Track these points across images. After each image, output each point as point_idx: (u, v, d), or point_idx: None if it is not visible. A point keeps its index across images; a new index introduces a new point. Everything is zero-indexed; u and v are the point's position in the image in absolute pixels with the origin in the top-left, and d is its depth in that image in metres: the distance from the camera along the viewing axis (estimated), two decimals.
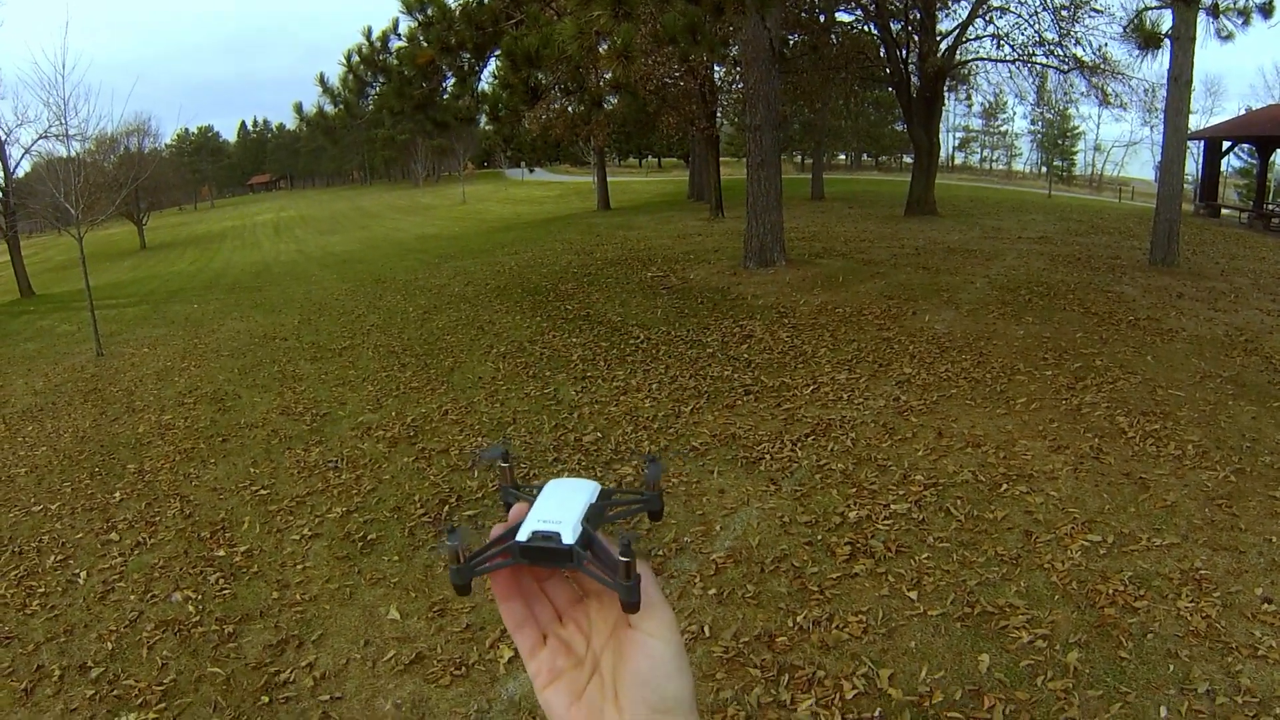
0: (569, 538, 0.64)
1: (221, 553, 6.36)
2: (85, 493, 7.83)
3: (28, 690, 4.88)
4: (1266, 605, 4.50)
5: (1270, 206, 23.14)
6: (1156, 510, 5.64)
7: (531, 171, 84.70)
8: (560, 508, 0.67)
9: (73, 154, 16.32)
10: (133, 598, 5.82)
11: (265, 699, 4.63)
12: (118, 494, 7.70)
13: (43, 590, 6.05)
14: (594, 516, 0.68)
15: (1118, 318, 10.52)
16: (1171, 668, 4.09)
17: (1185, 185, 18.29)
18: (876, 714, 3.97)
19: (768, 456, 7.08)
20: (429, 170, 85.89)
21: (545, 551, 0.65)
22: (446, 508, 6.76)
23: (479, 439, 8.10)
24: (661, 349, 10.72)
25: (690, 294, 13.78)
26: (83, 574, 6.23)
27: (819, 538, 5.67)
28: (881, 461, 6.78)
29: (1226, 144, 25.38)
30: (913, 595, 4.89)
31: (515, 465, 0.81)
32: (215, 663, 4.99)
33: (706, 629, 4.77)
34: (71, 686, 4.90)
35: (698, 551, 5.65)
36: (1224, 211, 24.83)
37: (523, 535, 0.65)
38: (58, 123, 15.21)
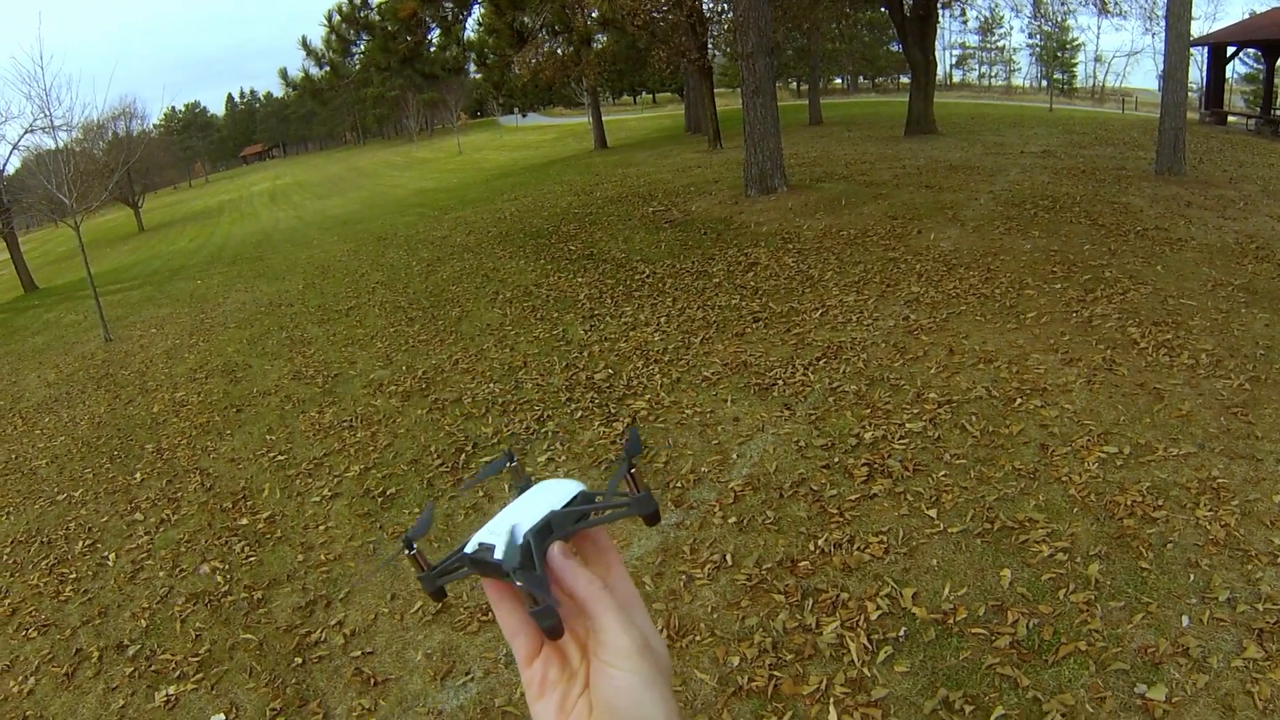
0: (499, 553, 0.61)
1: (244, 521, 6.43)
2: (106, 477, 7.87)
3: (69, 674, 4.98)
4: None
5: (1278, 112, 22.77)
6: (1172, 420, 5.61)
7: (525, 117, 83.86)
8: (515, 516, 0.64)
9: (60, 145, 16.10)
10: (162, 574, 5.89)
11: (299, 660, 4.70)
12: (138, 474, 7.75)
13: (74, 576, 6.13)
14: (560, 522, 0.64)
15: (1125, 229, 10.41)
16: (1192, 577, 4.10)
17: (1190, 93, 17.96)
18: (901, 633, 3.99)
19: (780, 382, 7.06)
20: (422, 125, 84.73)
21: (483, 564, 0.62)
22: (463, 455, 6.80)
23: (490, 385, 8.13)
24: (667, 282, 10.66)
25: (693, 226, 13.65)
26: (111, 556, 6.30)
27: (836, 460, 5.67)
28: (894, 381, 6.75)
29: (1231, 49, 24.89)
30: (932, 513, 4.90)
31: (522, 442, 0.77)
32: (247, 629, 5.07)
33: (729, 557, 4.80)
34: (110, 666, 4.98)
35: (715, 481, 5.66)
36: (1230, 119, 24.49)
37: (470, 546, 0.63)
38: (42, 115, 14.98)
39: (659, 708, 0.58)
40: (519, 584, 0.60)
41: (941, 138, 22.55)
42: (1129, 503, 4.73)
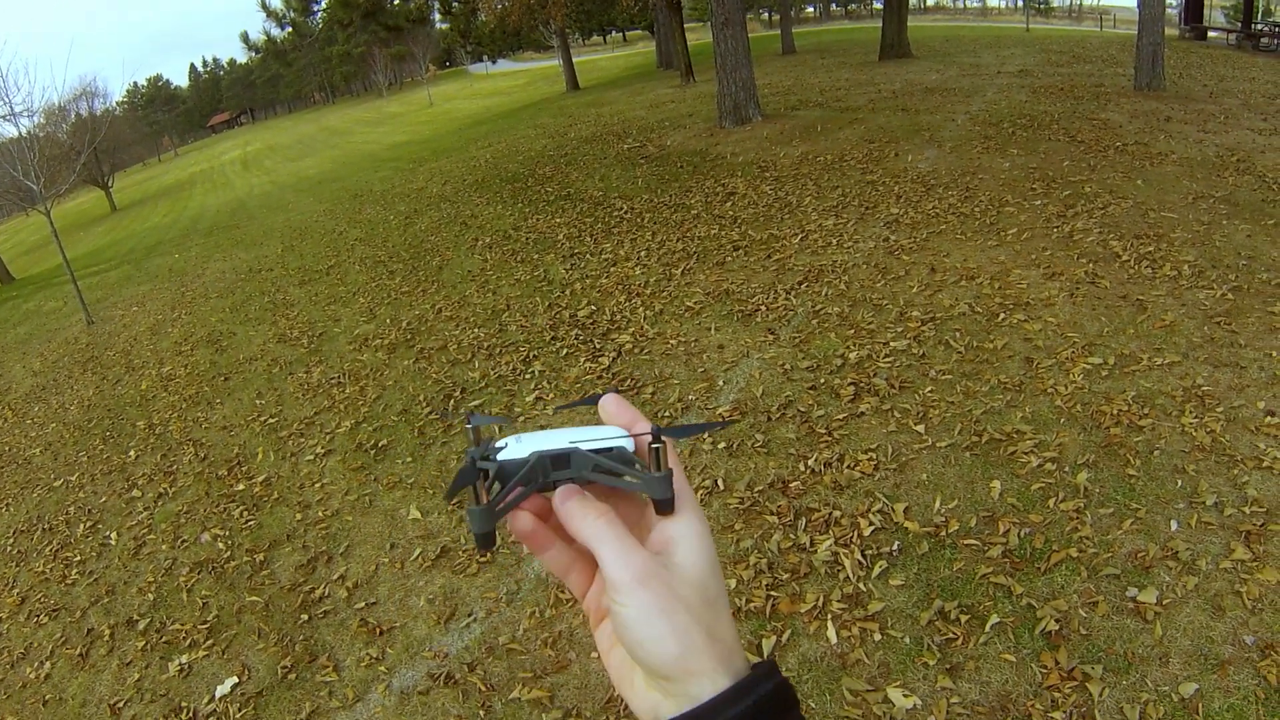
0: (502, 454, 0.58)
1: (241, 487, 6.43)
2: (101, 458, 7.82)
3: (83, 654, 4.99)
4: (1269, 418, 4.51)
5: (1259, 25, 22.59)
6: (1156, 330, 5.62)
7: (495, 63, 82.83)
8: (551, 438, 0.59)
9: (23, 132, 15.68)
10: (164, 547, 5.89)
11: (304, 617, 4.73)
12: (132, 452, 7.70)
13: (79, 559, 6.12)
14: (578, 462, 0.59)
15: (1105, 144, 10.34)
16: (1179, 483, 4.12)
17: (1169, 9, 17.77)
18: (895, 547, 4.01)
19: (763, 308, 7.03)
20: (391, 79, 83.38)
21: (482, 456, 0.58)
22: (452, 402, 6.80)
23: (475, 330, 8.12)
24: (646, 217, 10.58)
25: (669, 160, 13.53)
26: (113, 535, 6.29)
27: (822, 381, 5.66)
28: (877, 301, 6.74)
29: None
30: (920, 429, 4.90)
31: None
32: (252, 592, 5.10)
33: (720, 482, 4.80)
34: (123, 642, 5.00)
35: (703, 408, 5.65)
36: (1211, 34, 24.26)
37: (500, 442, 0.59)
38: (1, 103, 14.55)
39: (668, 639, 0.53)
40: (462, 471, 0.56)
41: (916, 61, 22.29)
42: (1115, 412, 4.74)
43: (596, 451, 0.59)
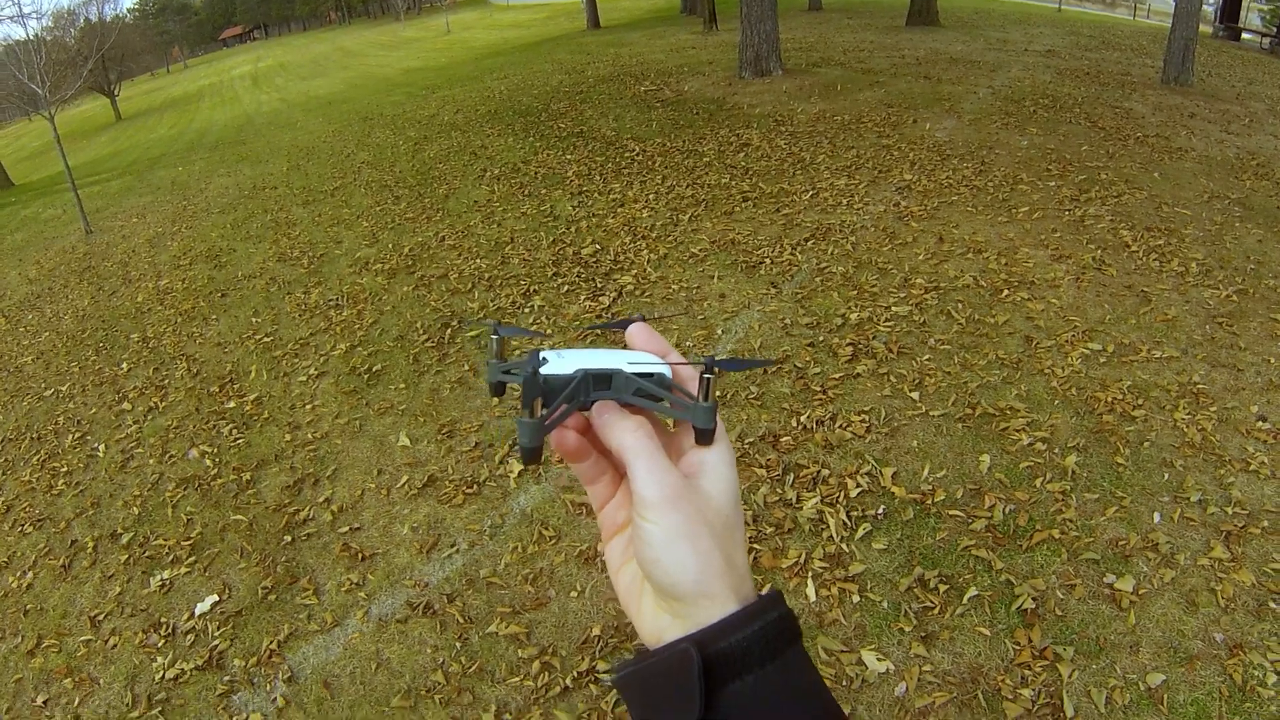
0: (546, 368, 0.58)
1: (232, 404, 6.39)
2: (93, 369, 7.75)
3: (66, 565, 4.99)
4: (1261, 423, 4.52)
5: None
6: (1157, 323, 5.61)
7: None
8: (594, 358, 0.61)
9: (31, 34, 15.37)
10: (152, 461, 5.87)
11: (288, 538, 4.73)
12: (125, 365, 7.63)
13: (66, 469, 6.09)
14: (620, 384, 0.60)
15: (1125, 133, 10.25)
16: (1166, 476, 4.14)
17: (1205, 6, 17.52)
18: (880, 511, 4.02)
19: (768, 261, 6.99)
20: (410, 3, 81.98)
21: (528, 365, 0.58)
22: (449, 330, 6.76)
23: (477, 261, 8.05)
24: (657, 160, 10.46)
25: (685, 106, 13.34)
26: (101, 447, 6.26)
27: (820, 339, 5.65)
28: (882, 265, 6.70)
29: None
30: (914, 396, 4.90)
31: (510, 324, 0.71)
32: (237, 511, 5.09)
33: None
34: (106, 555, 5.00)
35: (700, 355, 5.61)
36: (1245, 35, 24.00)
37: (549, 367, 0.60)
38: (10, 3, 14.26)
39: (690, 560, 0.55)
40: (521, 382, 0.57)
41: (943, 30, 21.97)
42: (1109, 399, 4.75)
43: (639, 375, 0.60)
